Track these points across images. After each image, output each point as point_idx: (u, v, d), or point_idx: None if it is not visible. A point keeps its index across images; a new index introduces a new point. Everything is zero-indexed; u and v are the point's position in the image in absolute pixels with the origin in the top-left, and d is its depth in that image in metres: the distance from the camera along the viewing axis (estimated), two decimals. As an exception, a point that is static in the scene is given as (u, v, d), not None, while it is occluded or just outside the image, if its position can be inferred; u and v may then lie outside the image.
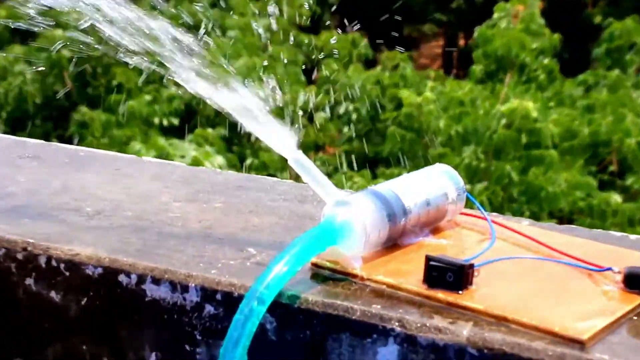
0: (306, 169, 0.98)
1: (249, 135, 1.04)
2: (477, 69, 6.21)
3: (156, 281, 0.95)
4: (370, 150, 5.90)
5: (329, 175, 5.52)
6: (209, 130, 5.29)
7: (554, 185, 5.02)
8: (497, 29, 6.25)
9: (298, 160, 0.99)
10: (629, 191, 5.34)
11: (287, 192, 1.23)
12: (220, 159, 4.71)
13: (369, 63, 6.51)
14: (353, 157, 5.87)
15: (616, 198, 5.09)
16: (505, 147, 5.23)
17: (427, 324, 0.84)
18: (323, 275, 0.94)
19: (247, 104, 1.01)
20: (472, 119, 5.47)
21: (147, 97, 5.64)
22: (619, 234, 1.09)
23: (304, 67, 6.06)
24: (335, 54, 6.23)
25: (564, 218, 5.07)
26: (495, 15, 6.39)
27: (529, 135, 5.23)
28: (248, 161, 5.45)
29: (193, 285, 0.93)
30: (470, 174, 5.26)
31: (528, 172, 5.17)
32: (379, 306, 0.87)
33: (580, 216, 5.08)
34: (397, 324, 0.85)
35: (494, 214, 1.12)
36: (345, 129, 6.04)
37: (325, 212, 0.94)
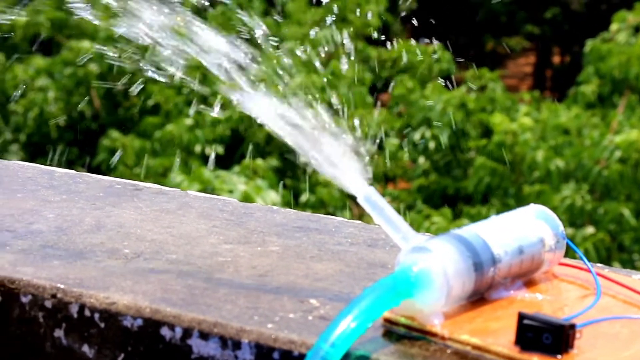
0: (379, 209, 1.01)
1: (304, 167, 1.05)
2: (588, 90, 6.15)
3: (204, 336, 0.98)
4: (450, 185, 5.89)
5: (400, 213, 5.49)
6: (259, 160, 5.33)
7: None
8: (614, 43, 6.19)
9: (369, 197, 1.01)
10: None
11: (355, 234, 1.26)
12: (273, 195, 4.74)
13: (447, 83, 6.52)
14: (429, 192, 5.86)
15: None
16: (618, 185, 5.17)
17: (520, 393, 0.85)
18: (397, 333, 0.96)
19: (306, 130, 1.04)
20: (577, 151, 5.43)
21: (188, 121, 5.68)
22: None
23: (371, 85, 6.09)
24: (406, 70, 6.22)
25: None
26: (614, 27, 6.32)
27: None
28: (303, 197, 5.47)
29: (246, 341, 0.96)
30: (573, 216, 5.20)
31: (644, 215, 5.12)
32: (462, 371, 0.89)
33: None
34: (483, 392, 0.86)
35: (600, 265, 1.13)
36: (421, 159, 6.04)
37: (400, 260, 0.97)
